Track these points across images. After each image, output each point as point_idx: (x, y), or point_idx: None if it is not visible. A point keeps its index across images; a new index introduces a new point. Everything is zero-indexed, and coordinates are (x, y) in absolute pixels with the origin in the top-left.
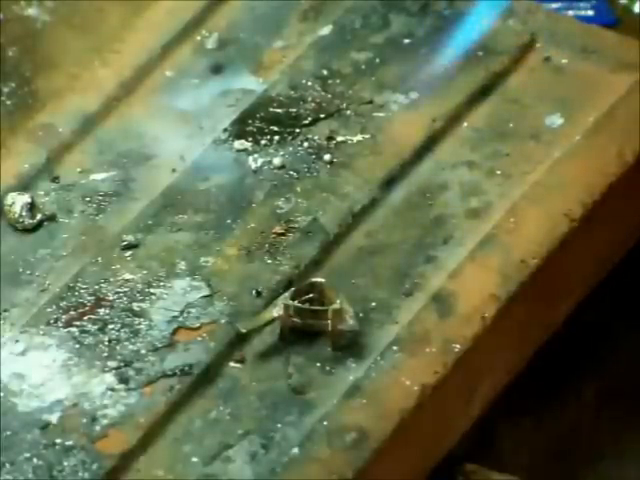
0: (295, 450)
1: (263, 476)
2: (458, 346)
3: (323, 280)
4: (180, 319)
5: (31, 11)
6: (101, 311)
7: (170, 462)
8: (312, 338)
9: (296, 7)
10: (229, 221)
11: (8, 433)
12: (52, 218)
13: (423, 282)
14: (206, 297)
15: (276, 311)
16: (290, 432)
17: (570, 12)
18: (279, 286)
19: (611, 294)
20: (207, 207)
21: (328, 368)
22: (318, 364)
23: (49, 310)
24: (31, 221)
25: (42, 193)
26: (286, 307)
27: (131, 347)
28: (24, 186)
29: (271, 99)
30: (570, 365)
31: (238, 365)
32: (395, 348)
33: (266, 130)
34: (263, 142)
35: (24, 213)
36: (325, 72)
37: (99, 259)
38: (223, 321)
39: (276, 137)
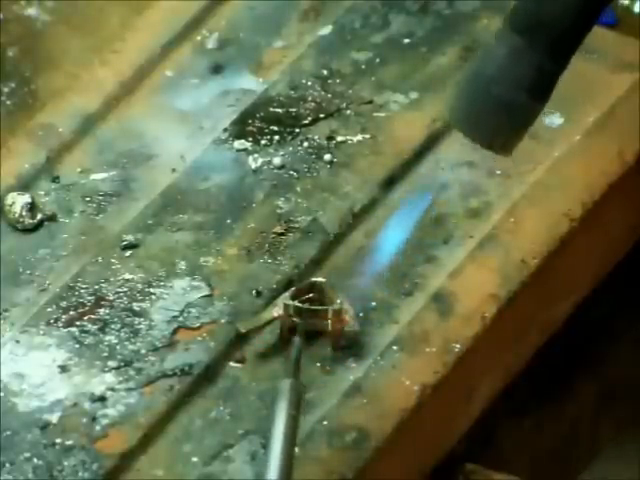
0: (295, 450)
1: (263, 476)
2: (458, 346)
3: (323, 280)
4: (180, 319)
5: (31, 11)
6: (101, 311)
7: (170, 462)
8: (312, 338)
9: (296, 7)
10: (229, 221)
11: (8, 433)
12: (52, 218)
13: (423, 282)
14: (206, 297)
15: (276, 311)
16: None
17: None
18: (279, 286)
19: (611, 294)
20: (207, 207)
21: (328, 368)
22: (318, 364)
23: (49, 310)
24: (31, 221)
25: (42, 193)
26: (286, 307)
27: (131, 347)
28: (24, 186)
29: (271, 99)
30: (570, 365)
31: (238, 365)
32: (395, 348)
33: (266, 130)
34: (263, 142)
35: (24, 213)
36: (325, 72)
37: (99, 259)
38: (223, 321)
39: (276, 137)
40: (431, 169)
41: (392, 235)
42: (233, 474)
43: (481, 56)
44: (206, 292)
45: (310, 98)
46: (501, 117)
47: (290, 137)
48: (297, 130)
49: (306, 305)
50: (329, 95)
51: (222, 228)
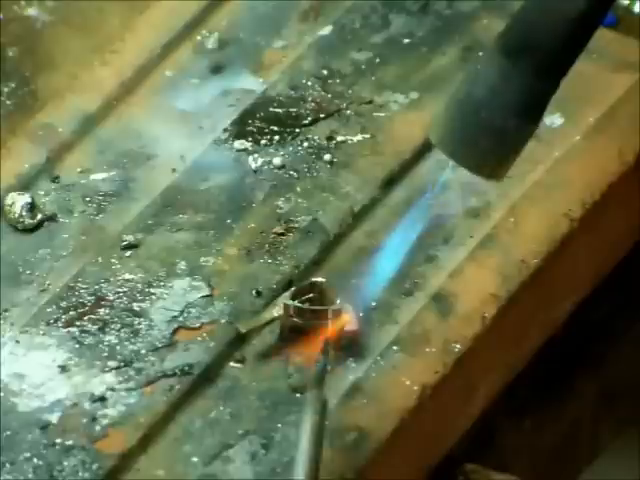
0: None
1: (263, 476)
2: (458, 346)
3: (323, 280)
4: (180, 319)
5: (31, 11)
6: (101, 311)
7: (170, 462)
8: (312, 338)
9: (296, 7)
10: (229, 221)
11: (8, 433)
12: (52, 218)
13: (423, 282)
14: (206, 297)
15: (276, 311)
16: (290, 432)
17: None
18: (279, 286)
19: (611, 294)
20: (207, 207)
21: (328, 368)
22: (318, 364)
23: (49, 310)
24: (31, 221)
25: (42, 193)
26: (286, 307)
27: (131, 347)
28: (24, 186)
29: (271, 99)
30: (570, 365)
31: (238, 365)
32: (395, 348)
33: (266, 130)
34: (263, 142)
35: (24, 213)
36: (325, 72)
37: (99, 259)
38: (223, 321)
39: (276, 137)
40: (431, 169)
41: (397, 241)
42: (233, 474)
43: (470, 78)
44: (206, 292)
45: (310, 98)
46: (491, 142)
47: (290, 137)
48: (297, 130)
49: (306, 305)
50: (329, 95)
51: (222, 228)
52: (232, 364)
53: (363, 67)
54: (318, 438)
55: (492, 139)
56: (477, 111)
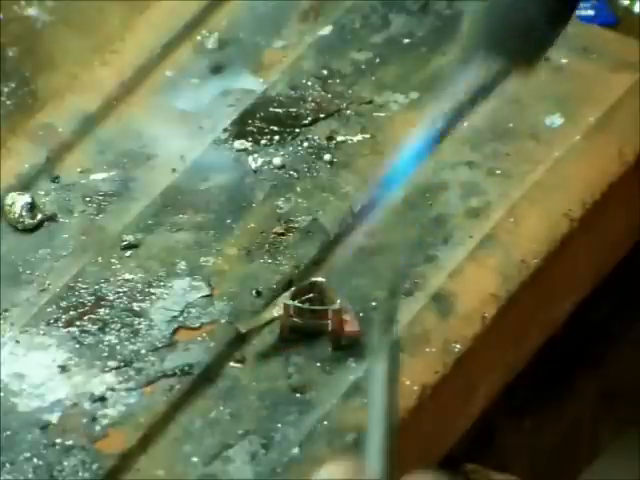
0: (295, 450)
1: (263, 476)
2: (458, 346)
3: (323, 280)
4: (180, 319)
5: (31, 11)
6: (101, 311)
7: (170, 462)
8: (312, 338)
9: (296, 7)
10: (229, 221)
11: (8, 433)
12: (52, 218)
13: (423, 282)
14: (206, 297)
15: (276, 311)
16: (290, 432)
17: None
18: (279, 286)
19: (611, 294)
20: (207, 207)
21: (328, 368)
22: (318, 364)
23: (49, 310)
24: (31, 221)
25: (42, 193)
26: (286, 307)
27: (131, 347)
28: (24, 186)
29: (271, 99)
30: (570, 365)
31: (238, 365)
32: None
33: (266, 130)
34: (263, 142)
35: (24, 213)
36: (325, 72)
37: (99, 259)
38: (223, 321)
39: (276, 137)
40: (431, 169)
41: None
42: (233, 474)
43: None
44: (206, 292)
45: (310, 98)
46: (520, 40)
47: (290, 137)
48: (297, 130)
49: (306, 305)
50: (329, 95)
51: (222, 228)
52: (232, 364)
53: (363, 67)
54: (393, 389)
55: (521, 38)
56: (506, 12)
